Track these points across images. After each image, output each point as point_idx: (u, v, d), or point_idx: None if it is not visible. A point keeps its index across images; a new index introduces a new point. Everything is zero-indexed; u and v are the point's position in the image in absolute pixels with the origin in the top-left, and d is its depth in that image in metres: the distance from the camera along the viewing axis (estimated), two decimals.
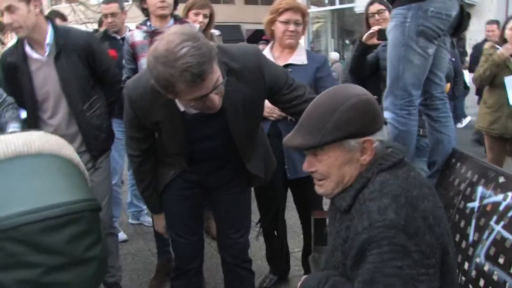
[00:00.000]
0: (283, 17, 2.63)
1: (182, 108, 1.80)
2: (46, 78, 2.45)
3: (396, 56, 2.18)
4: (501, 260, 1.68)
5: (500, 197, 1.79)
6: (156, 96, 1.75)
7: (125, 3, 4.30)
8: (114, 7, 3.88)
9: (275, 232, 2.93)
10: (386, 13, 3.20)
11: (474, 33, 10.35)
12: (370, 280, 1.20)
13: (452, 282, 1.34)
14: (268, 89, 1.90)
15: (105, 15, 3.93)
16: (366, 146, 1.34)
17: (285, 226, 3.02)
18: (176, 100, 1.77)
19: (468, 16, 2.32)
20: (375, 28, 2.99)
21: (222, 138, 1.95)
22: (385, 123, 2.07)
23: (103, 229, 2.75)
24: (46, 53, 2.42)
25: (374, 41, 3.00)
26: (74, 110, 2.49)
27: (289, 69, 2.60)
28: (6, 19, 2.24)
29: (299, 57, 2.70)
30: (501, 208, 1.76)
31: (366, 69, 3.13)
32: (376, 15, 3.26)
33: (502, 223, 1.73)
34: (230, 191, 2.16)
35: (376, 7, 3.30)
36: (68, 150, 1.20)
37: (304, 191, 2.70)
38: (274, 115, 2.57)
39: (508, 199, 1.74)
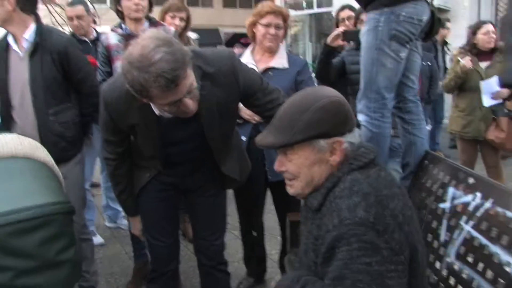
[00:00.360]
0: (264, 20, 2.65)
1: (157, 112, 1.80)
2: (19, 73, 2.45)
3: (369, 60, 2.22)
4: (470, 259, 1.73)
5: (469, 197, 1.84)
6: (131, 100, 1.75)
7: (103, 6, 4.26)
8: (80, 9, 3.85)
9: (253, 232, 2.94)
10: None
11: (450, 38, 10.60)
12: (340, 276, 1.22)
13: (421, 279, 1.37)
14: (242, 93, 1.92)
15: (71, 18, 3.87)
16: (335, 146, 1.36)
17: (262, 228, 3.04)
18: (151, 104, 1.77)
19: (439, 21, 2.38)
20: (339, 29, 3.02)
21: (197, 141, 1.95)
22: (358, 126, 2.11)
23: (78, 234, 2.72)
24: (25, 50, 2.43)
25: (340, 42, 3.02)
26: (37, 111, 2.46)
27: (270, 73, 2.63)
28: None
29: (280, 61, 2.72)
30: (470, 208, 1.81)
31: (332, 73, 3.15)
32: (346, 20, 3.34)
33: (471, 222, 1.78)
34: (205, 193, 2.16)
35: (346, 13, 3.38)
36: (42, 153, 1.19)
37: (284, 193, 2.71)
38: (256, 118, 2.57)
39: (477, 199, 1.79)
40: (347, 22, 3.29)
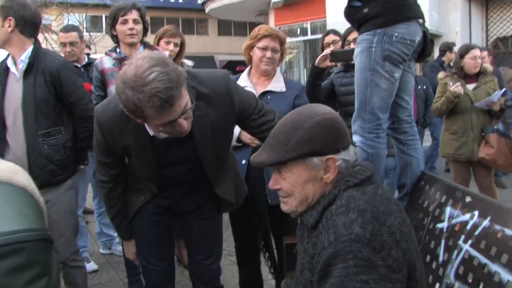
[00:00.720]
0: (261, 43, 2.65)
1: (151, 133, 1.79)
2: (13, 95, 2.47)
3: (363, 81, 2.23)
4: (469, 279, 1.70)
5: (467, 216, 1.82)
6: (125, 121, 1.75)
7: (98, 34, 4.27)
8: (73, 35, 3.85)
9: (266, 254, 2.89)
10: (340, 44, 3.33)
11: None
12: None
13: None
14: (238, 114, 1.91)
15: (64, 44, 3.85)
16: (329, 164, 1.35)
17: (258, 252, 2.99)
18: (146, 125, 1.76)
19: (432, 42, 2.40)
20: (327, 50, 3.03)
21: (192, 162, 1.94)
22: (354, 145, 2.09)
23: (68, 261, 2.64)
24: (20, 70, 2.47)
25: (327, 63, 3.04)
26: (26, 131, 2.45)
27: (269, 96, 2.62)
28: None
29: (278, 84, 2.70)
30: (468, 227, 1.79)
31: (321, 94, 3.16)
32: (331, 45, 3.39)
33: (469, 241, 1.75)
34: (200, 216, 2.13)
35: (330, 37, 3.45)
36: (22, 177, 1.14)
37: (282, 217, 2.67)
38: (256, 141, 2.53)
39: (475, 218, 1.77)
40: (332, 47, 3.33)
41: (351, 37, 3.30)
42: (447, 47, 7.18)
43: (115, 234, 3.94)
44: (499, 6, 11.11)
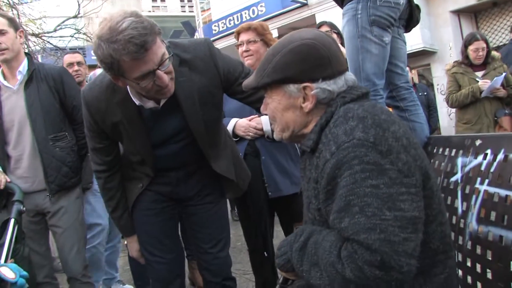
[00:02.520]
0: (239, 40, 2.66)
1: (137, 102, 1.74)
2: (13, 107, 2.45)
3: (354, 49, 2.19)
4: (492, 218, 1.58)
5: (480, 158, 1.72)
6: (111, 94, 1.73)
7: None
8: (79, 56, 3.86)
9: (265, 253, 2.72)
10: (334, 36, 3.28)
11: (440, 79, 10.78)
12: (345, 205, 1.08)
13: (440, 212, 1.22)
14: (224, 79, 1.86)
15: (71, 64, 3.77)
16: (306, 92, 1.27)
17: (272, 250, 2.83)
18: (130, 92, 1.72)
19: (418, 8, 2.37)
20: None
21: (184, 139, 1.87)
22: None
23: (80, 276, 2.55)
24: (18, 82, 2.46)
25: None
26: (37, 137, 2.44)
27: None
28: None
29: None
30: (483, 167, 1.69)
31: None
32: None
33: (486, 181, 1.65)
34: (202, 201, 2.03)
35: (323, 29, 3.39)
36: None
37: (288, 207, 2.56)
38: (250, 133, 2.49)
39: (488, 156, 1.67)
40: None
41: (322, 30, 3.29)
42: None
43: (117, 274, 3.77)
44: (488, 18, 11.22)
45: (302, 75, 1.27)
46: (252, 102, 1.90)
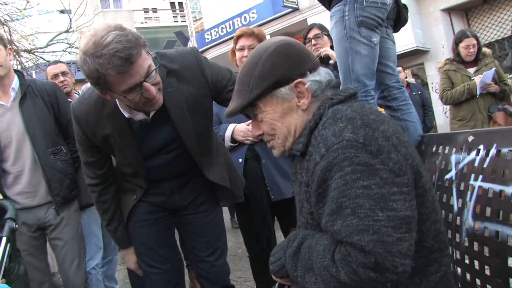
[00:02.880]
0: (238, 45, 2.66)
1: (126, 115, 1.73)
2: (9, 123, 2.45)
3: (343, 51, 2.18)
4: (488, 214, 1.57)
5: (473, 154, 1.72)
6: (100, 108, 1.73)
7: None
8: (63, 66, 3.75)
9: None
10: (325, 38, 3.23)
11: (434, 77, 10.82)
12: (337, 207, 1.06)
13: (433, 210, 1.21)
14: (212, 87, 1.86)
15: (55, 75, 3.62)
16: (299, 89, 1.26)
17: None
18: (119, 105, 1.71)
19: (405, 8, 2.38)
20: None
21: (175, 149, 1.87)
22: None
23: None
24: (11, 99, 2.46)
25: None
26: (38, 151, 2.45)
27: None
28: None
29: None
30: (476, 163, 1.68)
31: None
32: (312, 40, 3.27)
33: (480, 177, 1.64)
34: (197, 210, 2.03)
35: (313, 32, 3.33)
36: None
37: (289, 211, 2.55)
38: (250, 138, 2.48)
39: (481, 152, 1.66)
40: (313, 41, 3.24)
41: (311, 34, 3.27)
42: None
43: (117, 286, 3.74)
44: (479, 15, 11.28)
45: (290, 72, 1.26)
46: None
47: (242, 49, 2.63)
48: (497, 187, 1.53)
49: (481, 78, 3.98)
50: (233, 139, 2.52)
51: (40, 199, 2.50)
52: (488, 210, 1.57)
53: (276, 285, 1.45)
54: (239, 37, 2.66)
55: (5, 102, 2.47)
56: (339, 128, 1.13)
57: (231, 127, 2.52)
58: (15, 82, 2.49)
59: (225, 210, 2.98)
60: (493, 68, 4.05)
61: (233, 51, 2.73)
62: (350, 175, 1.06)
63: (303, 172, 1.25)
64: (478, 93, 4.04)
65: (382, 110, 2.34)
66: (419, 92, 6.17)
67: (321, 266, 1.09)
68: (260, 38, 2.67)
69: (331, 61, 3.09)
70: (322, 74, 1.30)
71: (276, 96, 1.27)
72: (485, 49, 4.40)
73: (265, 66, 1.26)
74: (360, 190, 1.04)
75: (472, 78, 4.15)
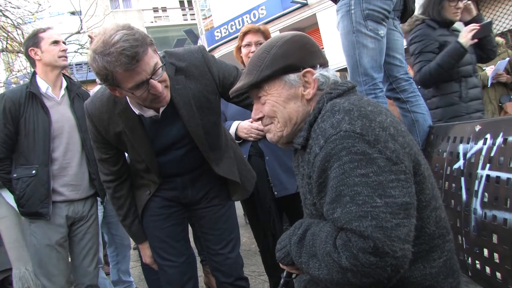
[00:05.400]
0: (244, 41, 2.67)
1: (137, 112, 1.78)
2: (61, 116, 2.56)
3: (349, 44, 2.20)
4: (496, 202, 1.59)
5: (480, 143, 1.73)
6: (112, 106, 1.78)
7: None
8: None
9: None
10: None
11: None
12: (337, 196, 1.10)
13: (433, 197, 1.23)
14: (220, 84, 1.90)
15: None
16: (307, 78, 1.30)
17: None
18: (130, 104, 1.76)
19: None
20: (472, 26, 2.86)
21: (185, 145, 1.91)
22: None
23: (95, 283, 2.62)
24: (61, 94, 2.59)
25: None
26: (89, 146, 2.55)
27: None
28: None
29: None
30: (483, 152, 1.70)
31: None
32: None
33: (488, 165, 1.66)
34: (210, 204, 2.07)
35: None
36: None
37: (294, 205, 2.57)
38: (253, 135, 2.51)
39: (488, 141, 1.68)
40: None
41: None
42: None
43: (132, 279, 3.81)
44: (490, 4, 11.15)
45: (303, 61, 1.31)
46: (249, 105, 1.92)
47: (249, 45, 2.66)
48: (504, 175, 1.55)
49: (495, 67, 3.96)
50: (237, 136, 2.55)
51: (83, 193, 2.60)
52: (496, 198, 1.58)
53: (284, 273, 1.48)
54: (245, 33, 2.68)
55: (55, 95, 2.58)
56: (337, 120, 1.16)
57: (235, 124, 2.55)
58: (63, 80, 2.62)
59: (239, 207, 3.01)
60: (507, 58, 4.02)
61: (238, 48, 2.74)
62: (348, 164, 1.09)
63: (305, 165, 1.28)
64: (489, 84, 4.03)
65: (390, 103, 2.35)
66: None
67: (324, 252, 1.13)
68: (266, 35, 2.69)
69: None
70: (331, 72, 1.34)
71: (284, 81, 1.31)
72: (498, 39, 4.35)
73: (281, 49, 1.30)
74: (358, 178, 1.08)
75: (483, 69, 4.13)
